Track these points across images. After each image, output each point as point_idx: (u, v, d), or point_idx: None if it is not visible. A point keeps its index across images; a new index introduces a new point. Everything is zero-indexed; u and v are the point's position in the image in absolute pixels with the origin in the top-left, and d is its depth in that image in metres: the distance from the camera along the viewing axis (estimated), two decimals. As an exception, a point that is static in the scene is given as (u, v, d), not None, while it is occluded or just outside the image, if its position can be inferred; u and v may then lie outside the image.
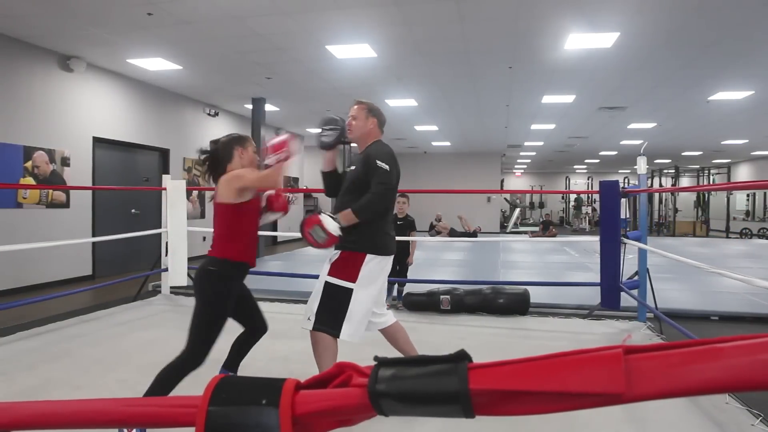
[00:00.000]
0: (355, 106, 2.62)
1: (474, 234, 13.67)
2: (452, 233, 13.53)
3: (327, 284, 2.42)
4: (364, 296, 2.42)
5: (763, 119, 10.82)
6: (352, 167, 2.62)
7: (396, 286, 5.03)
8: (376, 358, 0.51)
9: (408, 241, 5.04)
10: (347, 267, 2.42)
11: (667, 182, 20.05)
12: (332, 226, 2.33)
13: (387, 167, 2.43)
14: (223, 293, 2.27)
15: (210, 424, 0.50)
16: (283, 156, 2.34)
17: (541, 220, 19.36)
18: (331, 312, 2.37)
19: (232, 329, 2.54)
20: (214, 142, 2.52)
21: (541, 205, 25.22)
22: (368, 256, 2.43)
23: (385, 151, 2.52)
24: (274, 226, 12.75)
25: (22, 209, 6.03)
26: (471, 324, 4.43)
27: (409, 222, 5.11)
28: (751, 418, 2.52)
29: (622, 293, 4.29)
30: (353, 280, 2.39)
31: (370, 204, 2.41)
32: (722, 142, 14.84)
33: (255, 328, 2.53)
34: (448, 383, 0.45)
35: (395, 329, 2.70)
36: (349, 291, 2.39)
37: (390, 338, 2.71)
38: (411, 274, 5.46)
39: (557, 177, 27.23)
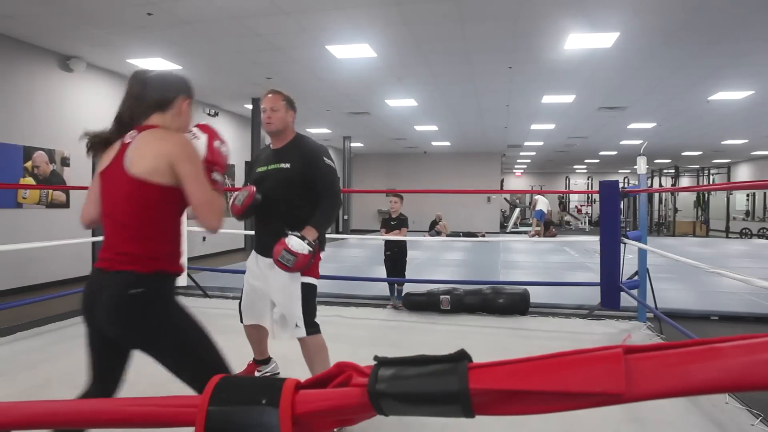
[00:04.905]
0: (270, 95, 2.43)
1: (474, 234, 13.68)
2: (450, 234, 13.55)
3: (306, 285, 2.37)
4: None
5: (763, 119, 10.81)
6: (284, 164, 2.39)
7: (396, 286, 5.05)
8: (376, 358, 0.51)
9: (405, 241, 5.11)
10: (315, 265, 2.42)
11: (667, 182, 20.04)
12: (299, 245, 2.22)
13: (334, 165, 2.43)
14: (169, 314, 1.52)
15: (210, 423, 0.50)
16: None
17: (540, 220, 19.32)
18: (311, 311, 2.39)
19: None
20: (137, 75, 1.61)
21: (541, 205, 25.19)
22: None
23: (324, 147, 2.47)
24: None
25: (22, 209, 6.03)
26: (471, 324, 4.42)
27: (401, 220, 5.18)
28: (751, 418, 2.52)
29: (622, 293, 4.29)
30: (318, 276, 2.45)
31: (333, 211, 2.41)
32: (722, 142, 14.83)
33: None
34: (448, 383, 0.45)
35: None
36: (315, 287, 2.44)
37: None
38: (411, 274, 5.47)
39: (557, 177, 27.23)
